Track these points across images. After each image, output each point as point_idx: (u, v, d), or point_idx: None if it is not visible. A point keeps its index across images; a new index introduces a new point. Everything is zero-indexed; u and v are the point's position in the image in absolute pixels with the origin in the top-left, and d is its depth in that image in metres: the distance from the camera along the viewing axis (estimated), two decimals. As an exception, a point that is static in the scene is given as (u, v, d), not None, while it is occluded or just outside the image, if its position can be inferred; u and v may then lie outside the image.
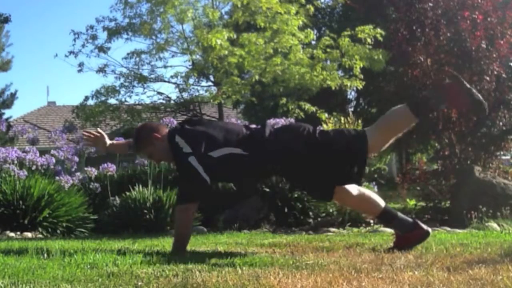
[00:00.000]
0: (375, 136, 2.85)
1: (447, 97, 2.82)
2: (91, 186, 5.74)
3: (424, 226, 2.93)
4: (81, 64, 12.15)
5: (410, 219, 2.97)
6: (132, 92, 12.32)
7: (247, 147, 2.84)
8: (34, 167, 5.40)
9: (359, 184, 2.99)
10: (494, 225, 4.74)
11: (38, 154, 5.48)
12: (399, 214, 3.00)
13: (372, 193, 3.04)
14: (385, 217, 3.01)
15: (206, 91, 13.75)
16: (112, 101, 11.97)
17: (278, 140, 2.88)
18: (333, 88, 9.76)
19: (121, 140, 3.74)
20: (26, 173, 5.11)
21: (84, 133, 3.37)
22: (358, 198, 2.97)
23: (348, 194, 2.94)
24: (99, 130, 3.35)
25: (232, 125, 3.17)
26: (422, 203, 6.68)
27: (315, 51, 9.71)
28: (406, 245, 2.83)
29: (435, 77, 7.27)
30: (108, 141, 3.30)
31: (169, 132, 3.00)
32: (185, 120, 3.21)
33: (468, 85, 2.80)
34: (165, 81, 12.66)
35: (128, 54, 12.32)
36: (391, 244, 2.93)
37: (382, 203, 2.98)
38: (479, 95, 2.81)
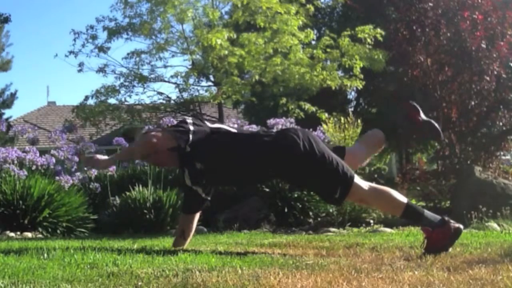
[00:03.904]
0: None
1: (413, 129, 3.10)
2: (91, 186, 5.75)
3: (456, 223, 2.67)
4: (81, 64, 12.14)
5: (438, 216, 2.71)
6: (132, 92, 12.31)
7: (242, 134, 2.89)
8: (34, 167, 5.40)
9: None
10: (494, 225, 4.73)
11: (38, 154, 5.48)
12: (426, 211, 2.77)
13: (391, 190, 2.80)
14: (410, 214, 2.76)
15: (206, 91, 13.76)
16: (112, 101, 11.96)
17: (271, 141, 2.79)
18: (333, 88, 9.75)
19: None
20: (26, 173, 5.11)
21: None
22: (378, 195, 2.76)
23: (367, 193, 2.73)
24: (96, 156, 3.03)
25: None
26: (422, 203, 6.68)
27: (315, 51, 9.71)
28: (440, 245, 2.58)
29: (434, 77, 7.28)
30: (103, 157, 2.99)
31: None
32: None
33: (426, 118, 3.09)
34: (165, 81, 12.65)
35: (128, 54, 12.32)
36: (421, 249, 2.64)
37: (404, 199, 2.75)
38: (437, 125, 3.09)
